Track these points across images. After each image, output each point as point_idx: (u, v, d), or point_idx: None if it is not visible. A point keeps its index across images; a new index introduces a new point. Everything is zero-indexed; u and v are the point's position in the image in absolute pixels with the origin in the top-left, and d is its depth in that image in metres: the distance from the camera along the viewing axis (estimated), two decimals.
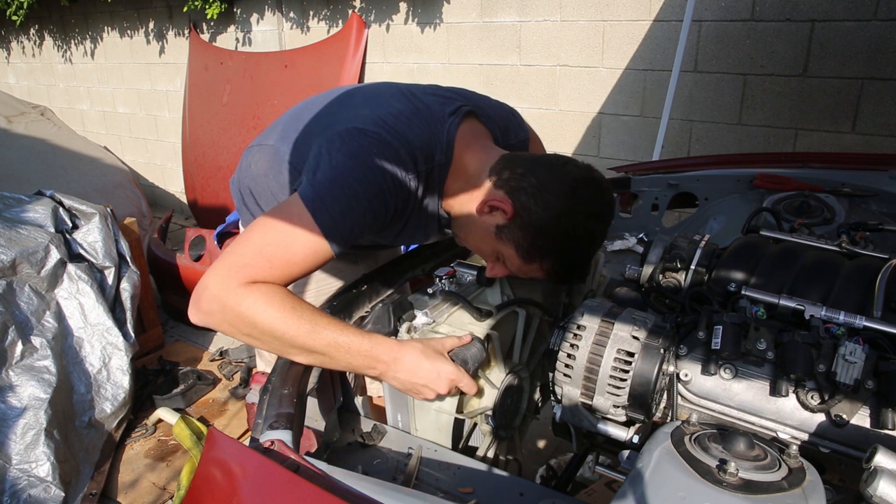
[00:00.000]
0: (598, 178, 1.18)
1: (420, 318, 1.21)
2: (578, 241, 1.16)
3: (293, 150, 1.29)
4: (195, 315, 1.06)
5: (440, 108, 1.26)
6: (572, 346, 1.07)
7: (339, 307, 1.26)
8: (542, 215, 1.13)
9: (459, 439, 1.25)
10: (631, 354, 1.03)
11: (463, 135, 1.25)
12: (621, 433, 1.10)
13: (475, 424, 1.30)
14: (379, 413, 1.44)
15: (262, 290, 1.03)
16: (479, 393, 1.25)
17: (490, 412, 1.25)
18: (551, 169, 1.16)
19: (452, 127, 1.23)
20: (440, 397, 1.15)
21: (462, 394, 1.20)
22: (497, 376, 1.27)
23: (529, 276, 1.23)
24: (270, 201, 1.38)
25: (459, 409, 1.22)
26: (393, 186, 1.14)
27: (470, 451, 1.27)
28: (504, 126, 1.41)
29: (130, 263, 2.91)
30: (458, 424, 1.23)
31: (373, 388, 1.74)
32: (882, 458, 0.78)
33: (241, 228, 1.58)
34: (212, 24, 5.06)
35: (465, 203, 1.24)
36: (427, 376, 1.11)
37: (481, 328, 1.21)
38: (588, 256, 1.20)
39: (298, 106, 1.45)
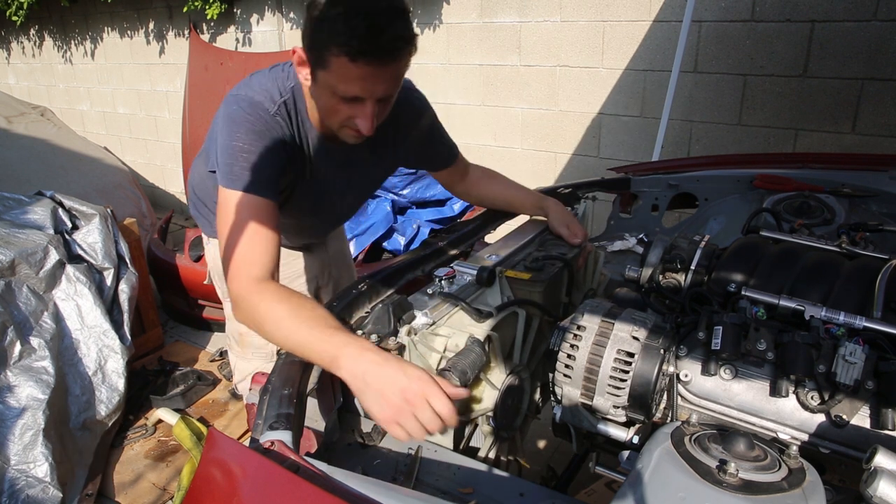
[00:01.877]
0: None
1: (420, 319, 1.21)
2: (348, 9, 1.14)
3: (207, 141, 1.50)
4: (241, 319, 1.22)
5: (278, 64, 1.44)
6: (572, 346, 1.07)
7: (339, 308, 1.25)
8: (307, 23, 1.21)
9: (460, 441, 1.25)
10: (631, 355, 1.03)
11: (299, 68, 1.38)
12: (621, 433, 1.10)
13: (476, 426, 1.30)
14: None
15: (266, 292, 1.17)
16: (480, 394, 1.25)
17: (491, 413, 1.24)
18: None
19: (290, 66, 1.39)
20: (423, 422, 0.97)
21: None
22: (498, 377, 1.27)
23: (362, 81, 1.20)
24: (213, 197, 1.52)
25: (460, 412, 1.22)
26: (263, 125, 1.30)
27: (471, 452, 1.27)
28: None
29: (129, 265, 2.91)
30: (458, 428, 1.23)
31: None
32: (882, 459, 0.78)
33: (203, 235, 1.88)
34: (212, 24, 5.06)
35: (309, 95, 1.36)
36: (401, 396, 0.96)
37: (481, 329, 1.21)
38: (373, 18, 1.13)
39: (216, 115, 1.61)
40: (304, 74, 1.28)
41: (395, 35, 1.16)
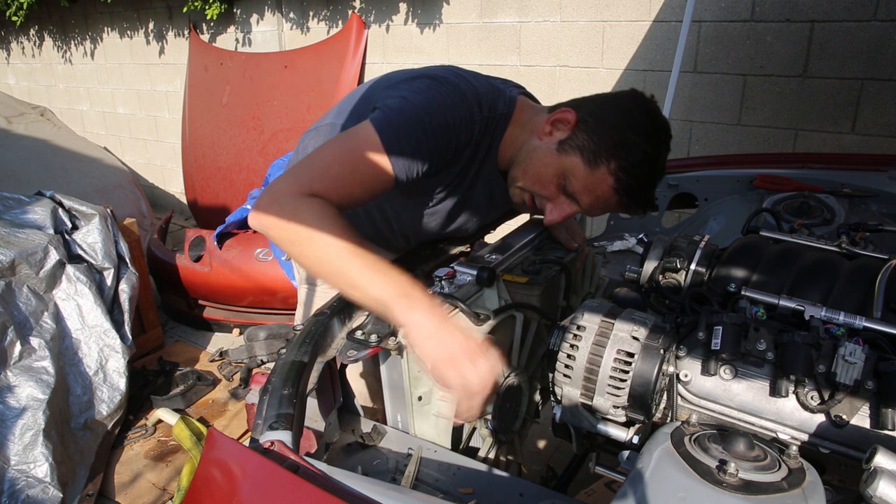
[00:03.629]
0: (656, 106, 1.26)
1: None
2: (649, 146, 1.19)
3: (349, 117, 1.36)
4: (254, 216, 1.09)
5: (500, 80, 1.40)
6: (572, 346, 1.07)
7: (339, 307, 1.25)
8: (607, 115, 1.21)
9: (458, 444, 1.25)
10: (631, 355, 1.03)
11: (523, 100, 1.37)
12: (621, 434, 1.10)
13: (474, 429, 1.30)
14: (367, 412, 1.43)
15: (320, 203, 1.07)
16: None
17: (489, 416, 1.24)
18: (629, 99, 1.26)
19: (514, 90, 1.36)
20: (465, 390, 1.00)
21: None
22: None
23: (597, 198, 1.24)
24: None
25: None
26: (457, 122, 1.21)
27: (471, 453, 1.27)
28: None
29: (129, 265, 2.91)
30: (458, 429, 1.23)
31: (357, 386, 1.74)
32: (882, 459, 0.78)
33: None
34: (212, 24, 5.06)
35: (524, 140, 1.31)
36: (454, 330, 1.00)
37: (478, 332, 1.21)
38: (655, 171, 1.22)
39: (352, 92, 1.52)
40: (556, 135, 1.26)
41: (651, 200, 1.26)
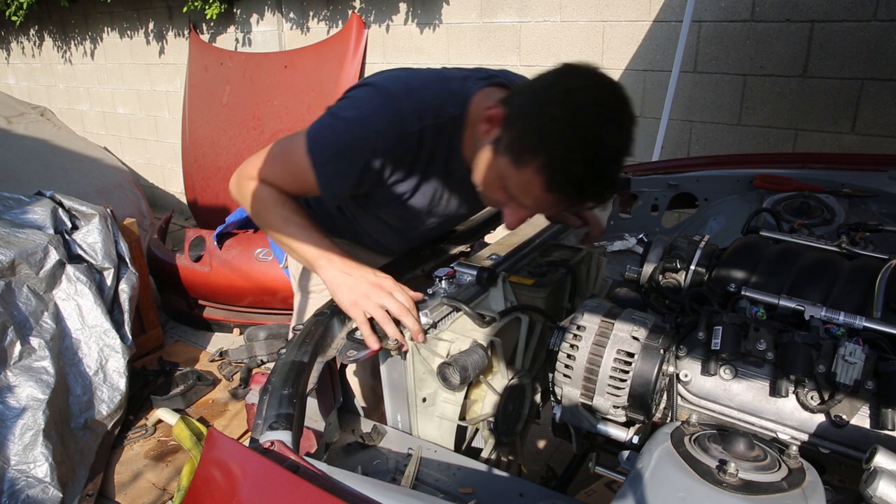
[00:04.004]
0: (609, 80, 1.05)
1: (421, 319, 1.21)
2: (578, 132, 0.98)
3: None
4: (232, 187, 1.36)
5: (470, 73, 1.29)
6: (572, 346, 1.07)
7: (338, 308, 1.25)
8: (530, 103, 1.04)
9: (461, 443, 1.25)
10: (631, 355, 1.03)
11: (485, 94, 1.23)
12: (621, 434, 1.10)
13: (477, 430, 1.30)
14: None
15: (269, 190, 1.28)
16: (481, 399, 1.25)
17: (492, 419, 1.24)
18: (555, 75, 1.08)
19: (473, 86, 1.24)
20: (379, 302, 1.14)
21: (466, 398, 1.20)
22: (499, 383, 1.27)
23: (537, 200, 1.08)
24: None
25: (462, 416, 1.22)
26: (385, 140, 1.18)
27: (471, 453, 1.27)
28: None
29: (129, 265, 2.91)
30: (461, 430, 1.23)
31: (353, 384, 1.73)
32: (882, 459, 0.78)
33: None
34: (211, 24, 5.06)
35: (478, 142, 1.19)
36: (364, 274, 1.18)
37: (484, 335, 1.21)
38: (595, 160, 0.99)
39: None
40: (492, 134, 1.11)
41: (608, 182, 1.04)
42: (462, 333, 1.21)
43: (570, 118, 0.99)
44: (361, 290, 1.16)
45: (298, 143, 1.23)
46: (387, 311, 1.13)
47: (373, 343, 1.12)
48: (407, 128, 1.17)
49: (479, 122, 1.16)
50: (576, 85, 1.03)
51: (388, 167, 1.22)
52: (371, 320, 1.14)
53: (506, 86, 1.28)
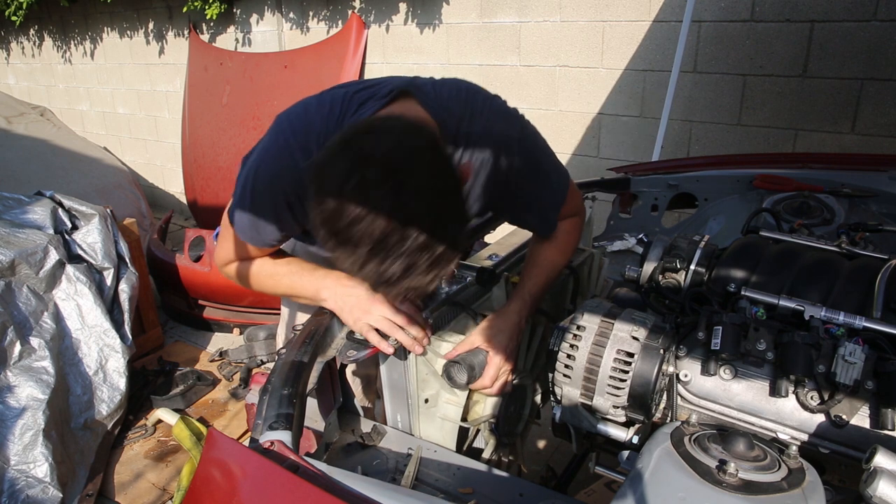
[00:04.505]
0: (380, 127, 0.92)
1: (422, 317, 1.21)
2: (323, 192, 0.87)
3: None
4: (219, 270, 1.39)
5: (367, 92, 1.18)
6: (572, 346, 1.07)
7: None
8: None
9: (462, 444, 1.25)
10: (631, 355, 1.03)
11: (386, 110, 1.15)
12: (621, 434, 1.10)
13: (478, 431, 1.30)
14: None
15: (238, 265, 1.32)
16: (483, 400, 1.25)
17: (494, 420, 1.24)
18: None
19: (371, 108, 1.14)
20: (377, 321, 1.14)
21: (468, 400, 1.20)
22: None
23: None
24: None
25: (464, 418, 1.22)
26: (288, 189, 1.14)
27: (472, 453, 1.27)
28: (460, 113, 1.20)
29: (129, 265, 2.90)
30: (462, 431, 1.23)
31: (354, 384, 1.73)
32: (882, 459, 0.78)
33: None
34: (211, 24, 5.06)
35: None
36: (369, 301, 1.16)
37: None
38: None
39: None
40: None
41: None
42: (464, 334, 1.21)
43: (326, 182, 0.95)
44: (363, 307, 1.17)
45: (225, 220, 1.29)
46: (391, 319, 1.15)
47: (386, 348, 1.14)
48: (297, 162, 1.12)
49: None
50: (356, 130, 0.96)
51: (295, 204, 1.16)
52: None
53: (412, 94, 1.17)
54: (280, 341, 1.73)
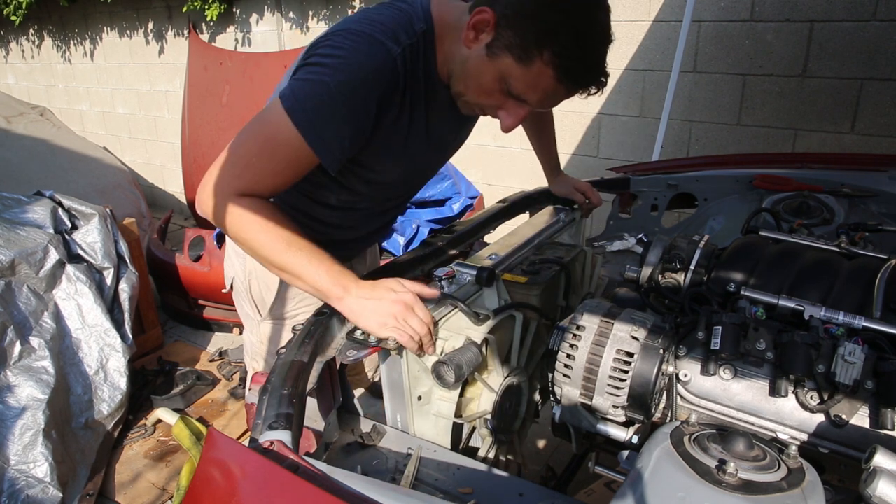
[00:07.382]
0: None
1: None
2: (578, 20, 1.05)
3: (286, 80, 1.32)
4: (198, 208, 1.16)
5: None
6: (572, 346, 1.07)
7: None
8: (528, 5, 1.06)
9: (458, 443, 1.25)
10: (630, 355, 1.03)
11: (437, 3, 1.22)
12: (621, 433, 1.10)
13: (474, 428, 1.30)
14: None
15: (250, 203, 1.11)
16: (477, 397, 1.25)
17: (489, 416, 1.24)
18: None
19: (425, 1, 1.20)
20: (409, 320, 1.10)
21: (460, 397, 1.20)
22: (495, 380, 1.27)
23: (544, 92, 1.13)
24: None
25: (458, 414, 1.22)
26: (375, 69, 1.11)
27: (471, 453, 1.27)
28: None
29: (129, 264, 2.90)
30: (457, 428, 1.23)
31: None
32: (881, 459, 0.78)
33: (229, 264, 1.64)
34: (211, 24, 5.06)
35: (457, 52, 1.18)
36: (383, 294, 1.11)
37: (478, 332, 1.21)
38: (596, 44, 1.08)
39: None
40: (482, 39, 1.11)
41: (605, 73, 1.13)
42: (456, 331, 1.21)
43: (572, 9, 1.06)
44: (386, 311, 1.10)
45: (272, 116, 1.11)
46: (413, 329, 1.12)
47: (429, 349, 1.15)
48: (390, 52, 1.12)
49: (457, 31, 1.16)
50: None
51: (383, 104, 1.15)
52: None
53: None
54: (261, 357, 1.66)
